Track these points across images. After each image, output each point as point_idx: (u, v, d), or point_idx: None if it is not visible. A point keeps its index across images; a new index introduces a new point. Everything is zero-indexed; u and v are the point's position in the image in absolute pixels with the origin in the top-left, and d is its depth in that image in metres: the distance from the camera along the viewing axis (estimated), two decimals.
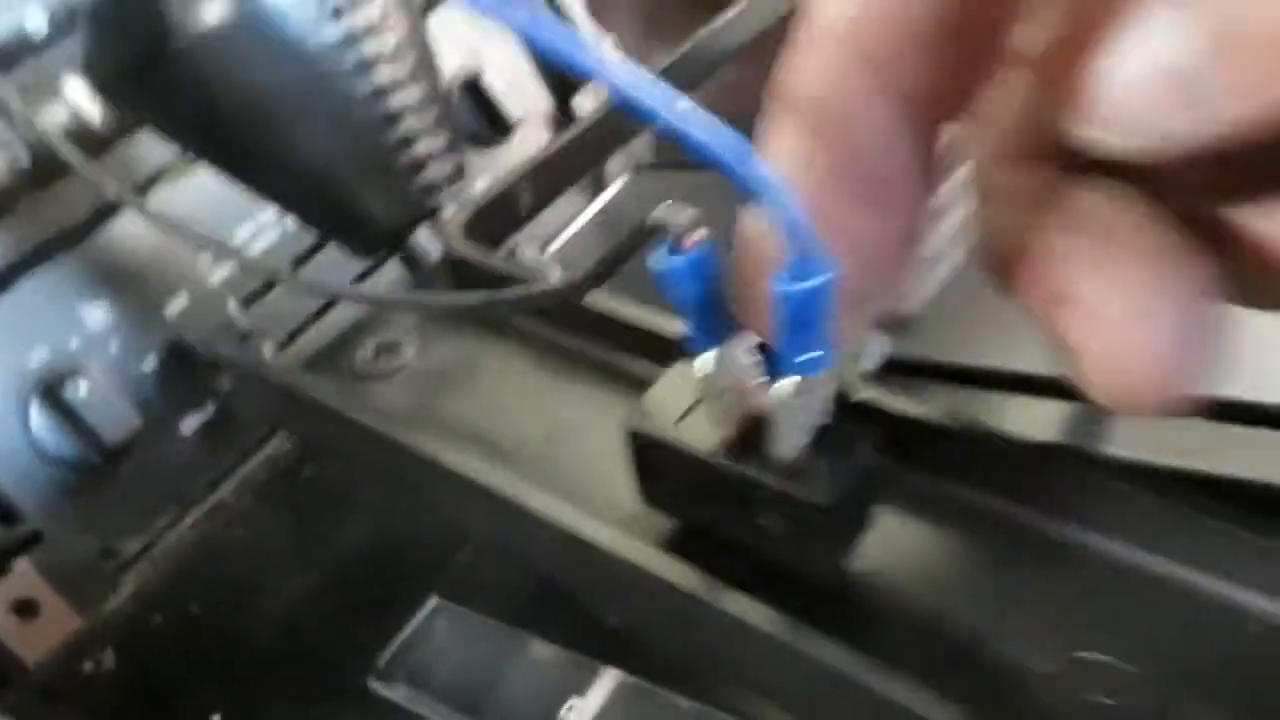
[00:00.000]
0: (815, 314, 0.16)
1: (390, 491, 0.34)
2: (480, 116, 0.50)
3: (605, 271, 0.20)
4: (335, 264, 0.43)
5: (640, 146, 0.53)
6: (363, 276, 0.43)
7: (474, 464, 0.22)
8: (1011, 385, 0.33)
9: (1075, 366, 0.14)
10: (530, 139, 0.51)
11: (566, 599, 0.33)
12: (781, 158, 0.16)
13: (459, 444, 0.24)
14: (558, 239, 0.48)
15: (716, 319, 0.18)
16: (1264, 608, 0.19)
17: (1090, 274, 0.13)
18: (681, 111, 0.15)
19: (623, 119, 0.34)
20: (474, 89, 0.50)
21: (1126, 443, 0.30)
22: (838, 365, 0.17)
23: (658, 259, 0.17)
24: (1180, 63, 0.11)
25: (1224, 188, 0.15)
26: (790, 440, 0.18)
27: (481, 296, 0.22)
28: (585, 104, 0.52)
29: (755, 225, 0.17)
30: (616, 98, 0.15)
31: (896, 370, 0.33)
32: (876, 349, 0.26)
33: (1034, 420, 0.31)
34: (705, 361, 0.18)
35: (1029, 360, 0.33)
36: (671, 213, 0.17)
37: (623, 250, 0.18)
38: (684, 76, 0.41)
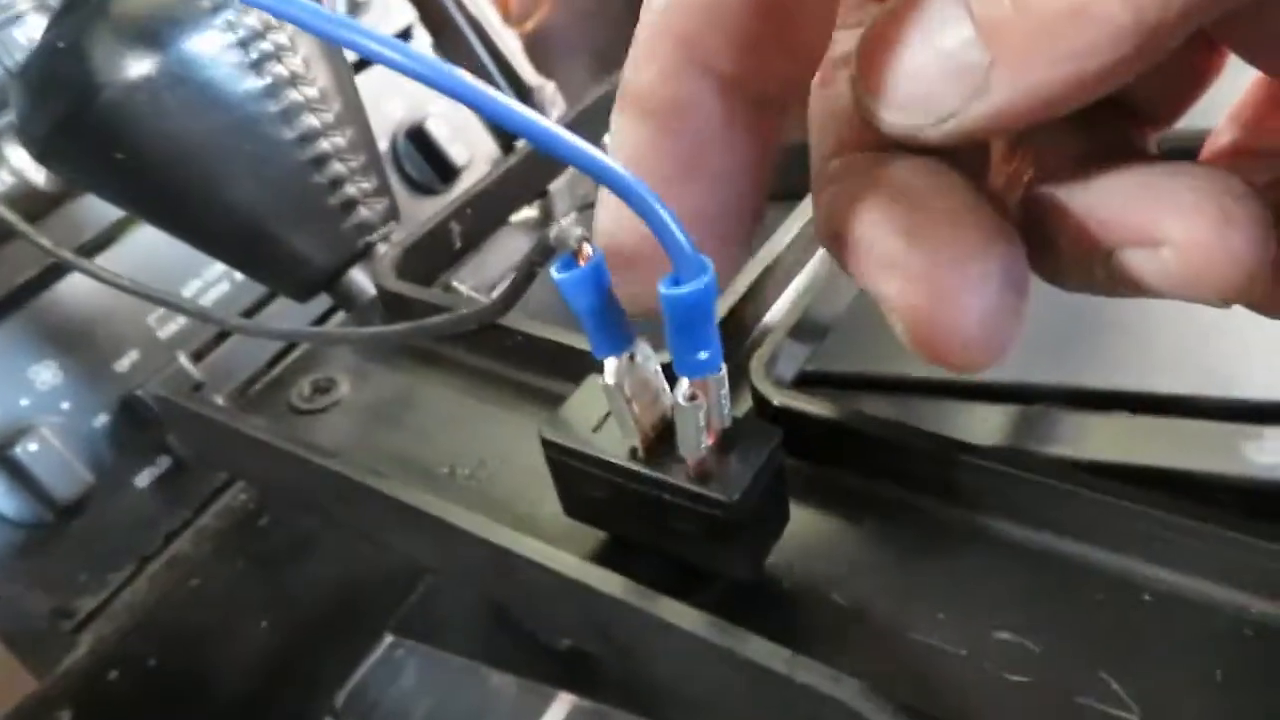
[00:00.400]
0: (699, 316, 0.17)
1: (337, 530, 0.34)
2: (426, 163, 0.51)
3: (516, 293, 0.20)
4: (285, 316, 0.44)
5: (589, 185, 0.54)
6: (319, 323, 0.44)
7: (405, 489, 0.22)
8: (942, 392, 0.34)
9: (896, 326, 0.15)
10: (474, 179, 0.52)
11: (519, 629, 0.33)
12: (626, 147, 0.17)
13: (393, 471, 0.24)
14: (506, 279, 0.49)
15: (615, 327, 0.18)
16: (1161, 578, 0.19)
17: (906, 241, 0.14)
18: (556, 134, 0.16)
19: (547, 159, 0.35)
20: (419, 136, 0.51)
21: (1043, 440, 0.31)
22: (723, 368, 0.18)
23: (556, 271, 0.18)
24: (955, 49, 0.12)
25: (1042, 167, 0.16)
26: (693, 441, 0.19)
27: (405, 326, 0.22)
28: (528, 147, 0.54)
29: (609, 223, 0.17)
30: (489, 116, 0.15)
31: (813, 382, 0.34)
32: (793, 359, 0.27)
33: (951, 422, 0.32)
34: (611, 368, 0.19)
35: (933, 367, 0.34)
36: (567, 229, 0.18)
37: (529, 270, 0.19)
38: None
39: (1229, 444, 0.29)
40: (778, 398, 0.23)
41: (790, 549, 0.21)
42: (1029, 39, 0.12)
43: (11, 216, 0.33)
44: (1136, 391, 0.31)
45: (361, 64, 0.50)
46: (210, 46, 0.27)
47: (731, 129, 0.16)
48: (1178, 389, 0.31)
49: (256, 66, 0.28)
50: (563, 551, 0.21)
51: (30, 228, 0.34)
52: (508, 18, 0.83)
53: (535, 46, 0.81)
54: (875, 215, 0.15)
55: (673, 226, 0.16)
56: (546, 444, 0.20)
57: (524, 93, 0.55)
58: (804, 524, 0.22)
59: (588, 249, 0.18)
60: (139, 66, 0.27)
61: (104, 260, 0.41)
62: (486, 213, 0.32)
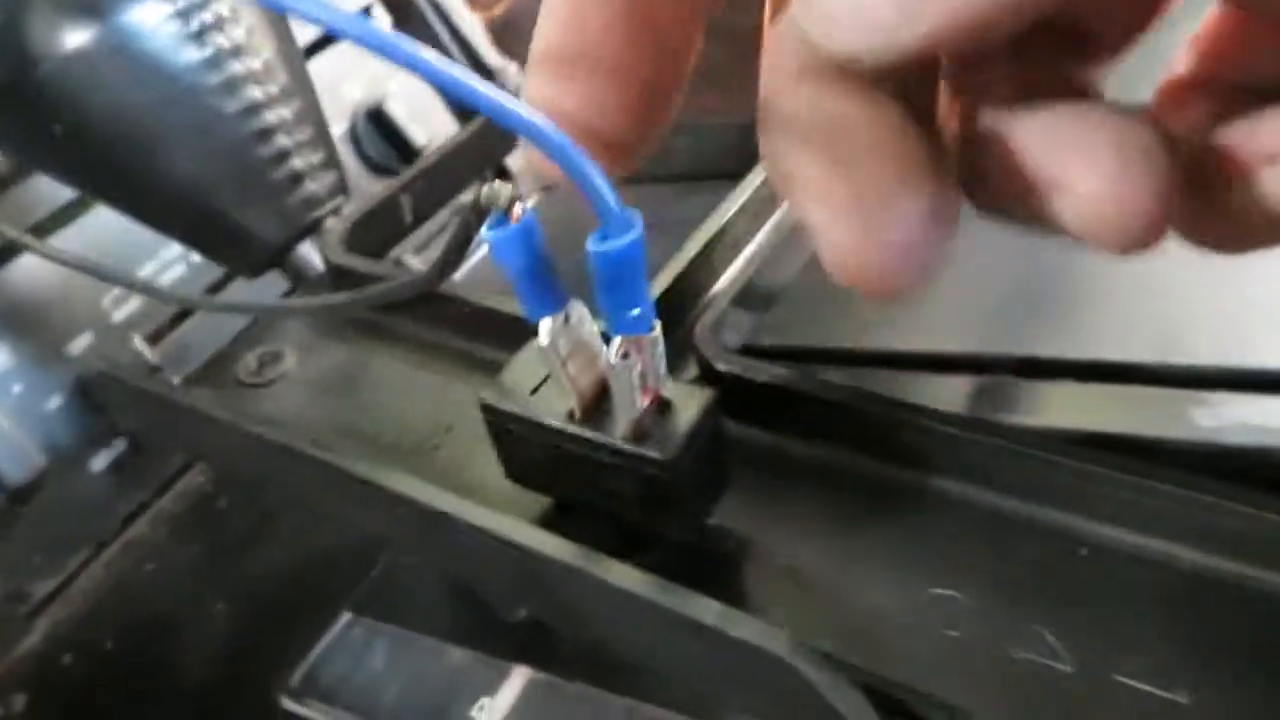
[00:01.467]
0: (628, 272, 0.17)
1: (289, 506, 0.34)
2: (386, 143, 0.50)
3: (454, 259, 0.20)
4: (247, 293, 0.44)
5: None
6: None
7: (349, 458, 0.22)
8: (897, 365, 0.34)
9: (820, 252, 0.15)
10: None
11: (475, 603, 0.33)
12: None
13: (340, 443, 0.24)
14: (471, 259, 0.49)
15: (548, 288, 0.18)
16: (1096, 531, 0.20)
17: (832, 172, 0.14)
18: (498, 100, 0.16)
19: (496, 135, 0.35)
20: (378, 117, 0.50)
21: (994, 409, 0.31)
22: (656, 326, 0.18)
23: (487, 229, 0.18)
24: None
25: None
26: (628, 401, 0.19)
27: (342, 297, 0.22)
28: None
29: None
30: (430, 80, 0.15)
31: (759, 354, 0.34)
32: (741, 329, 0.27)
33: (902, 394, 0.32)
34: (546, 329, 0.19)
35: (912, 340, 0.35)
36: (498, 188, 0.18)
37: (463, 235, 0.19)
38: None
39: (1176, 410, 0.29)
40: (721, 363, 0.23)
41: (733, 511, 0.21)
42: None
43: None
44: (1085, 360, 0.32)
45: (318, 45, 0.50)
46: (149, 17, 0.27)
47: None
48: (1125, 356, 0.31)
49: (197, 37, 0.27)
50: (504, 515, 0.21)
51: None
52: (475, 2, 0.82)
53: (504, 31, 0.80)
54: (807, 147, 0.15)
55: (600, 183, 0.16)
56: (485, 408, 0.20)
57: (487, 74, 0.55)
58: (748, 487, 0.22)
59: (518, 208, 0.18)
60: (76, 38, 0.26)
61: (57, 241, 0.41)
62: (438, 187, 0.32)
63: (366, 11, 0.52)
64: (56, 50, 0.26)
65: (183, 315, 0.43)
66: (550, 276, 0.18)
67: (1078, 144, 0.13)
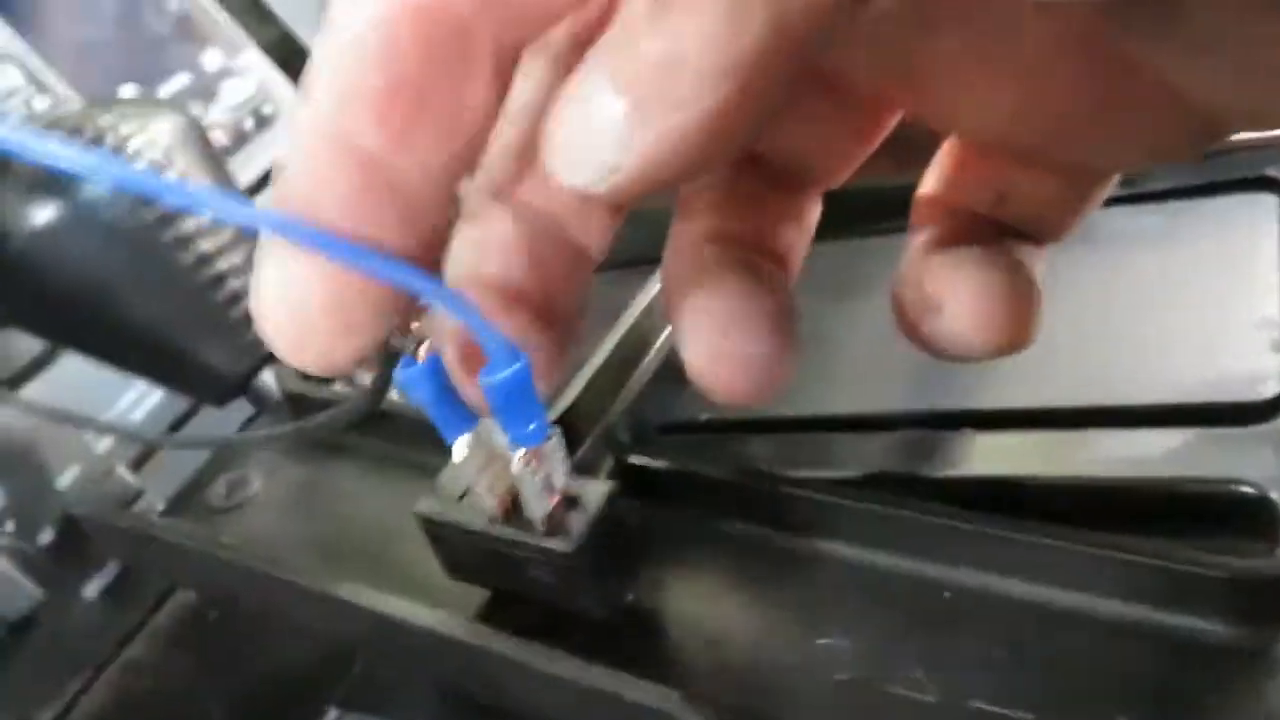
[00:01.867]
0: (519, 396, 0.20)
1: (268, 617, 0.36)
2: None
3: (382, 388, 0.23)
4: (220, 419, 0.46)
5: None
6: (247, 425, 0.46)
7: (303, 573, 0.25)
8: (819, 428, 0.37)
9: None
10: None
11: (456, 690, 0.35)
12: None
13: (304, 557, 0.27)
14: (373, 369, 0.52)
15: (457, 413, 0.21)
16: (955, 576, 0.22)
17: (689, 297, 0.17)
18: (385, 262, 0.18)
19: None
20: None
21: (902, 462, 0.34)
22: (553, 436, 0.21)
23: (398, 371, 0.21)
24: (600, 102, 0.13)
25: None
26: (537, 502, 0.21)
27: (291, 427, 0.25)
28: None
29: (444, 331, 0.20)
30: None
31: (697, 429, 0.37)
32: (664, 408, 0.30)
33: (823, 454, 0.35)
34: (460, 447, 0.22)
35: (832, 404, 0.38)
36: (402, 339, 0.21)
37: (384, 371, 0.22)
38: None
39: (1060, 451, 0.32)
40: (628, 456, 0.26)
41: (648, 587, 0.24)
42: (644, 87, 0.13)
43: None
44: (982, 409, 0.35)
45: (259, 186, 0.53)
46: (104, 189, 0.30)
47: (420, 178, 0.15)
48: (1015, 403, 0.34)
49: (149, 202, 0.31)
50: (447, 613, 0.24)
51: None
52: None
53: None
54: (670, 287, 0.17)
55: (483, 323, 0.19)
56: (420, 518, 0.23)
57: None
58: (662, 562, 0.25)
59: (422, 350, 0.21)
60: (40, 215, 0.30)
61: (36, 385, 0.44)
62: None
63: None
64: (24, 229, 0.30)
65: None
66: (458, 402, 0.21)
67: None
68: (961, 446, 0.34)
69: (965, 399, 0.35)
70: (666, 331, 0.32)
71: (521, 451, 0.21)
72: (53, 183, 0.30)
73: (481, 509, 0.23)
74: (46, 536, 0.42)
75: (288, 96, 0.56)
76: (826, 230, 0.40)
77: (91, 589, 0.43)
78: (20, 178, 0.30)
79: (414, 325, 0.21)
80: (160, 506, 0.43)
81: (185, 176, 0.32)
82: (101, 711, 0.42)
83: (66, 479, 0.43)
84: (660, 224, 0.56)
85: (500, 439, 0.22)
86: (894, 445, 0.34)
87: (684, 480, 0.25)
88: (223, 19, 0.55)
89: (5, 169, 0.30)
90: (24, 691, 0.40)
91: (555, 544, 0.21)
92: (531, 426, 0.20)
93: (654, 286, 0.32)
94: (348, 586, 0.24)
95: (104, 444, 0.45)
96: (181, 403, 0.46)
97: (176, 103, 0.34)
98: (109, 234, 0.30)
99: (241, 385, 0.34)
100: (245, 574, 0.25)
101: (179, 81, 0.51)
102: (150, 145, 0.31)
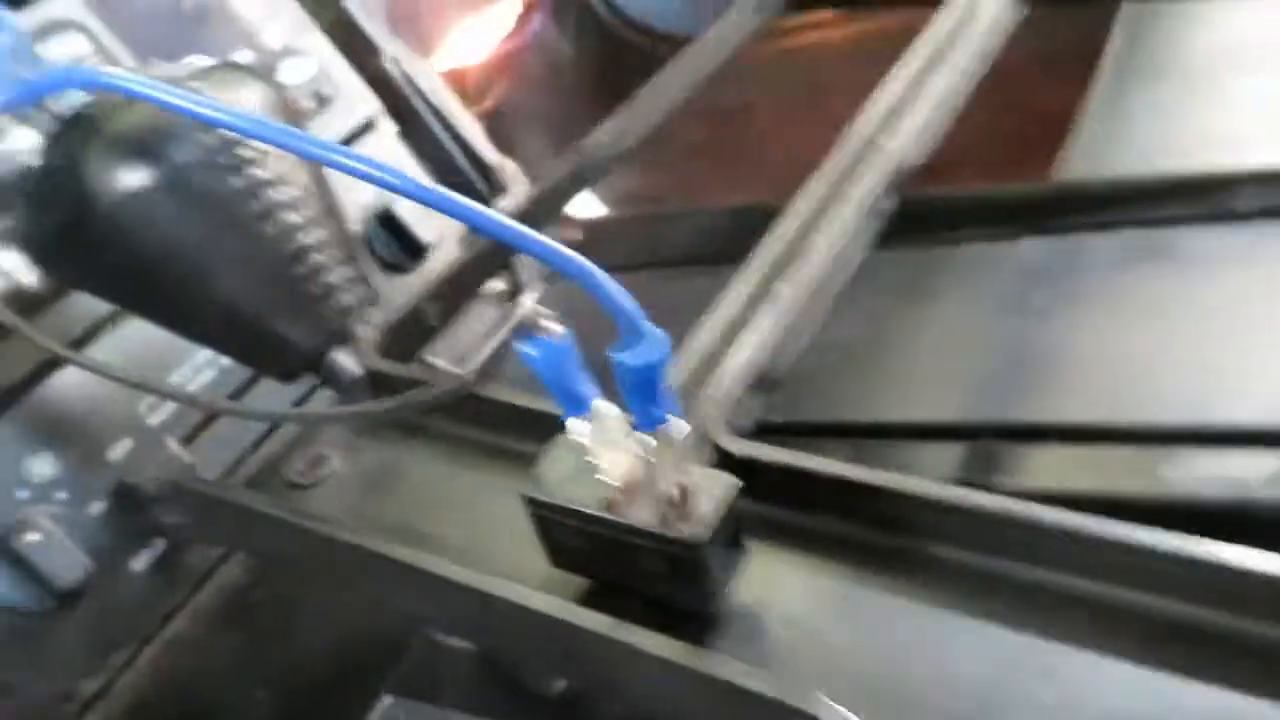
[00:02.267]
0: (653, 381, 0.19)
1: (338, 596, 0.36)
2: (396, 244, 0.53)
3: (487, 372, 0.23)
4: (269, 393, 0.46)
5: None
6: (300, 402, 0.46)
7: (403, 549, 0.25)
8: (894, 434, 0.36)
9: None
10: (444, 260, 0.54)
11: (511, 680, 0.35)
12: None
13: (389, 536, 0.26)
14: (478, 349, 0.52)
15: (579, 391, 0.21)
16: (1072, 584, 0.22)
17: None
18: (528, 235, 0.18)
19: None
20: (388, 220, 0.53)
21: (984, 473, 0.34)
22: (685, 423, 0.20)
23: (527, 349, 0.20)
24: None
25: None
26: (658, 490, 0.21)
27: (387, 403, 0.25)
28: None
29: None
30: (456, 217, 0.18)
31: (771, 431, 0.37)
32: (752, 409, 0.30)
33: (901, 462, 0.34)
34: (577, 427, 0.21)
35: (908, 411, 0.37)
36: (534, 312, 0.20)
37: (499, 352, 0.21)
38: (580, 180, 0.44)
39: (1147, 467, 0.32)
40: (734, 447, 0.25)
41: (749, 583, 0.24)
42: None
43: (8, 315, 0.35)
44: (1064, 423, 0.34)
45: None
46: (195, 156, 0.30)
47: None
48: (1099, 418, 0.34)
49: (237, 170, 0.30)
50: (546, 594, 0.23)
51: (26, 325, 0.36)
52: (466, 95, 0.86)
53: (493, 120, 0.84)
54: None
55: (623, 301, 0.19)
56: (528, 501, 0.23)
57: (486, 172, 0.58)
58: (760, 559, 0.24)
59: (551, 326, 0.20)
60: (130, 179, 0.29)
61: (93, 352, 0.43)
62: (457, 291, 0.35)
63: (371, 122, 0.56)
64: (113, 191, 0.29)
65: (211, 417, 0.46)
66: (578, 381, 0.21)
67: None
68: (1045, 459, 0.34)
69: (1049, 411, 0.34)
70: (750, 337, 0.32)
71: (646, 437, 0.21)
72: (143, 146, 0.30)
73: (594, 493, 0.22)
74: (98, 507, 0.42)
75: (345, 79, 0.55)
76: (902, 237, 0.40)
77: (139, 562, 0.42)
78: (112, 140, 0.30)
79: (530, 304, 0.21)
80: (211, 480, 0.43)
81: (267, 150, 0.31)
82: (145, 686, 0.42)
83: (118, 451, 0.43)
84: (714, 223, 0.56)
85: (615, 422, 0.22)
86: (974, 455, 0.34)
87: (787, 476, 0.25)
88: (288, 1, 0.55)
89: (95, 130, 0.30)
90: (69, 662, 0.40)
91: (680, 534, 0.21)
92: (659, 411, 0.20)
93: (740, 284, 0.32)
94: (457, 568, 0.24)
95: (156, 417, 0.44)
96: (239, 374, 0.46)
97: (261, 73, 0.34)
98: (197, 201, 0.30)
99: (313, 362, 0.34)
100: (340, 547, 0.25)
101: (241, 57, 0.51)
102: None
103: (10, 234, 0.41)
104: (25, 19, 0.43)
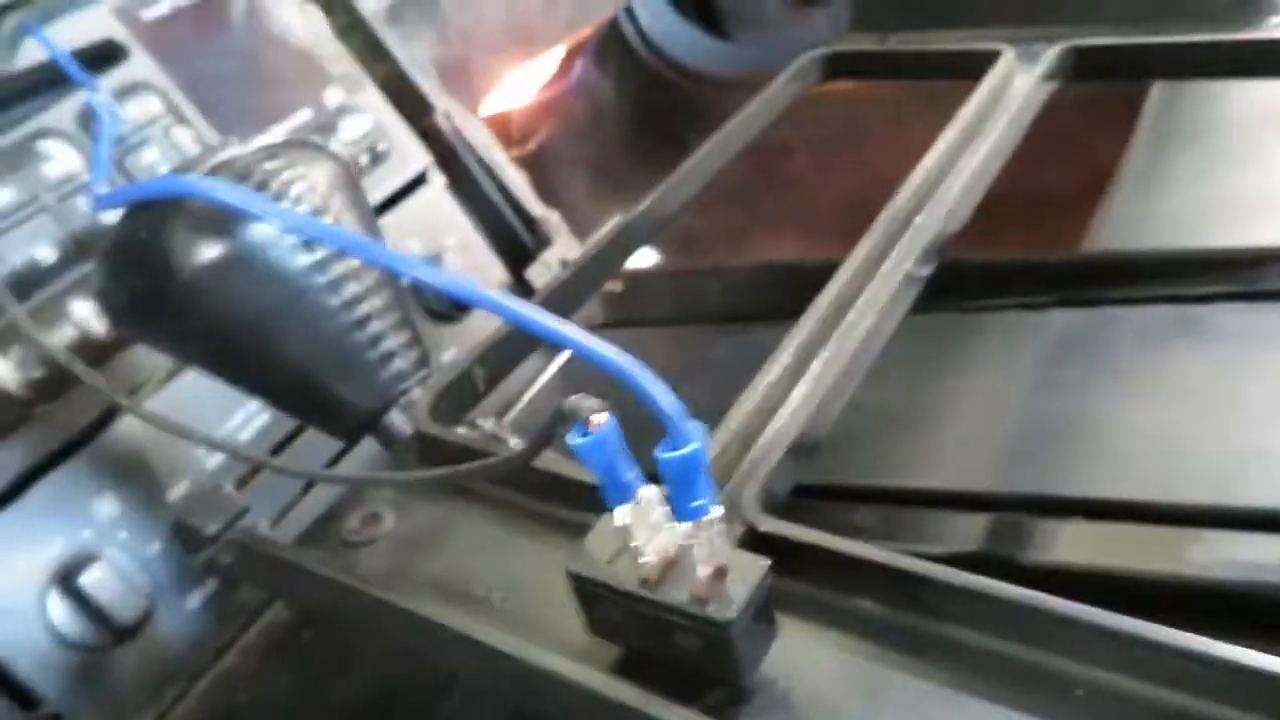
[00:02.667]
0: (692, 473, 0.21)
1: (382, 646, 0.38)
2: (444, 294, 0.55)
3: (536, 450, 0.24)
4: (316, 443, 0.48)
5: (591, 309, 0.59)
6: (340, 454, 0.48)
7: (449, 613, 0.26)
8: (919, 502, 0.37)
9: None
10: (488, 314, 0.56)
11: None
12: None
13: (436, 597, 0.28)
14: (520, 401, 0.54)
15: (625, 479, 0.22)
16: (1090, 674, 0.23)
17: None
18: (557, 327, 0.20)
19: (559, 304, 0.40)
20: None
21: (1011, 546, 0.35)
22: (721, 510, 0.22)
23: (572, 439, 0.22)
24: None
25: None
26: (694, 572, 0.23)
27: (442, 472, 0.26)
28: (538, 276, 0.58)
29: None
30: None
31: (821, 495, 0.38)
32: (787, 473, 0.31)
33: (930, 530, 0.36)
34: (622, 513, 0.23)
35: (934, 478, 0.38)
36: (580, 402, 0.22)
37: (547, 433, 0.23)
38: (640, 232, 0.46)
39: (1174, 548, 0.32)
40: (765, 525, 0.27)
41: (778, 657, 0.25)
42: None
43: (78, 368, 0.37)
44: (1092, 498, 0.35)
45: (382, 206, 0.56)
46: (270, 232, 0.32)
47: None
48: (1127, 495, 0.35)
49: (308, 246, 0.32)
50: (586, 666, 0.25)
51: (93, 374, 0.38)
52: (510, 139, 0.88)
53: (535, 163, 0.86)
54: None
55: (661, 399, 0.21)
56: (571, 575, 0.24)
57: (531, 224, 0.60)
58: (791, 633, 0.26)
59: (597, 418, 0.22)
60: (209, 253, 0.31)
61: (155, 401, 0.46)
62: (505, 356, 0.36)
63: (423, 176, 0.58)
64: (193, 264, 0.31)
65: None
66: (626, 469, 0.22)
67: None
68: (1071, 534, 0.35)
69: (1076, 485, 0.35)
70: (788, 402, 0.33)
71: (685, 525, 0.22)
72: (222, 223, 0.32)
73: (634, 572, 0.24)
74: (156, 547, 0.44)
75: (398, 133, 0.58)
76: (938, 300, 0.41)
77: (194, 600, 0.44)
78: (193, 215, 0.32)
79: (580, 397, 0.22)
80: (265, 525, 0.45)
81: (339, 220, 0.33)
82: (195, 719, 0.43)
83: (177, 492, 0.45)
84: (751, 281, 0.58)
85: (657, 508, 0.24)
86: (1000, 526, 0.35)
87: (817, 553, 0.26)
88: (344, 57, 0.57)
89: (180, 207, 0.32)
90: (125, 697, 0.42)
91: (713, 614, 0.22)
92: (699, 502, 0.22)
93: (778, 360, 0.33)
94: (499, 635, 0.25)
95: (213, 461, 0.46)
96: (286, 426, 0.48)
97: (334, 150, 0.36)
98: (269, 273, 0.32)
99: (371, 423, 0.36)
100: (391, 611, 0.27)
101: (301, 116, 0.54)
102: (310, 191, 0.33)
103: (84, 285, 0.44)
104: (106, 81, 0.46)
